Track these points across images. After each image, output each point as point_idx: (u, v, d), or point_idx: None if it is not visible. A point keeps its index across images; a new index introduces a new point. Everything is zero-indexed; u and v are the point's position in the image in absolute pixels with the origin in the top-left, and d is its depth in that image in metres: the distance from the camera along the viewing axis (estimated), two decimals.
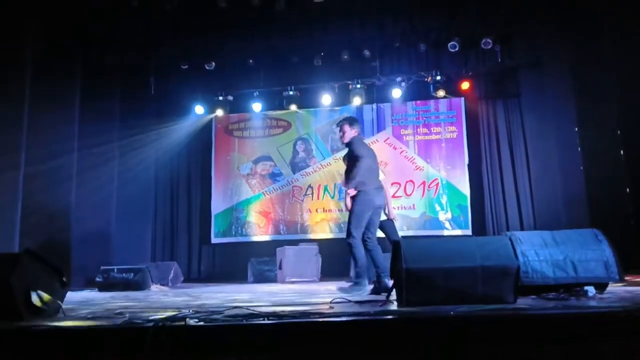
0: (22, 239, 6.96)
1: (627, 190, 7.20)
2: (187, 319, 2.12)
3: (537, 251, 3.12)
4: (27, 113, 7.20)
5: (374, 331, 2.23)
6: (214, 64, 8.61)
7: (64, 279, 2.97)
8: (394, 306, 2.81)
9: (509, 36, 8.04)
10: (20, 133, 7.19)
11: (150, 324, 2.04)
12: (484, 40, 7.87)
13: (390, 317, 2.38)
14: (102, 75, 8.33)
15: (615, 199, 7.19)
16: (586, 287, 3.08)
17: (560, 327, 2.21)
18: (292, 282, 7.26)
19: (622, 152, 7.28)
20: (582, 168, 7.57)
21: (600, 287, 3.21)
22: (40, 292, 2.67)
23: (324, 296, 3.98)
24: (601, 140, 7.43)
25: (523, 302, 2.81)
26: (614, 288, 3.55)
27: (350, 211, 4.22)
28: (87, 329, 2.21)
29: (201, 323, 2.09)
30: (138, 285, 6.29)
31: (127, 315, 2.60)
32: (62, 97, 7.82)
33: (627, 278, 3.57)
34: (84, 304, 3.96)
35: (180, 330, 2.04)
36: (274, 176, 9.61)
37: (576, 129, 7.66)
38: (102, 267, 6.66)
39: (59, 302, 2.85)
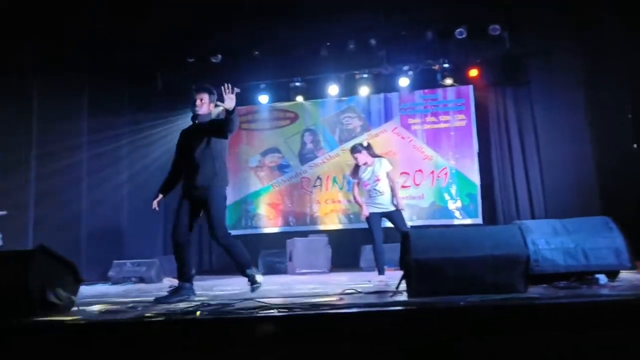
0: (36, 236, 7.08)
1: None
2: (198, 312, 2.14)
3: (548, 239, 3.11)
4: (36, 113, 7.34)
5: (385, 322, 2.24)
6: (220, 56, 8.60)
7: (77, 274, 3.01)
8: (403, 297, 2.82)
9: (518, 23, 7.92)
10: (29, 133, 7.33)
11: (162, 318, 2.07)
12: (491, 27, 7.77)
13: (400, 307, 2.39)
14: (110, 73, 8.36)
15: (626, 187, 7.13)
16: (597, 275, 3.07)
17: (573, 316, 2.20)
18: (303, 274, 7.29)
19: (633, 139, 7.21)
20: (592, 156, 7.51)
21: (612, 274, 3.19)
22: (58, 290, 2.71)
23: (335, 287, 3.99)
24: (612, 127, 7.35)
25: (534, 291, 2.81)
26: (626, 275, 3.53)
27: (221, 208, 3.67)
28: (100, 322, 2.24)
29: (212, 316, 2.11)
30: (150, 278, 6.36)
31: (140, 308, 2.63)
32: (70, 96, 7.90)
33: (638, 265, 3.53)
34: (97, 297, 4.01)
35: (191, 323, 2.06)
36: (282, 168, 9.61)
37: (586, 117, 7.60)
38: (114, 261, 6.73)
39: (73, 297, 2.90)
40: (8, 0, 6.57)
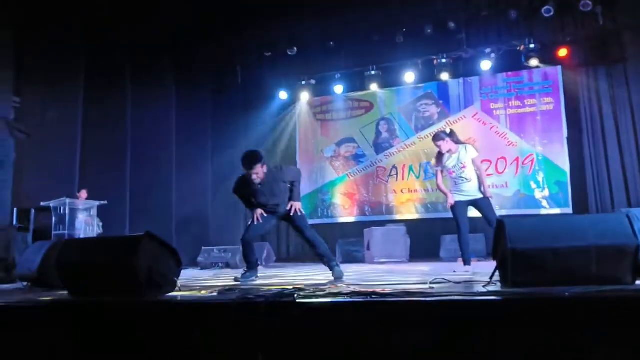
0: (132, 224, 7.66)
1: None
2: (295, 295, 2.22)
3: None
4: (130, 113, 7.94)
5: (480, 312, 2.19)
6: (295, 49, 8.73)
7: (178, 258, 3.23)
8: (497, 287, 2.73)
9: None
10: (124, 132, 7.95)
11: (262, 299, 2.16)
12: (582, 2, 7.25)
13: (496, 297, 2.32)
14: (194, 70, 8.81)
15: None
16: None
17: None
18: (381, 263, 7.28)
19: None
20: None
21: None
22: (163, 272, 2.93)
23: (419, 277, 3.96)
24: None
25: None
26: None
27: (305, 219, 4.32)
28: (203, 302, 2.39)
29: (308, 300, 2.18)
30: (235, 264, 6.66)
31: (237, 290, 2.77)
32: (159, 96, 8.48)
33: None
34: (194, 281, 4.27)
35: (290, 306, 2.14)
36: (358, 158, 9.62)
37: None
38: (203, 247, 7.11)
39: (175, 278, 3.11)
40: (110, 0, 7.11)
